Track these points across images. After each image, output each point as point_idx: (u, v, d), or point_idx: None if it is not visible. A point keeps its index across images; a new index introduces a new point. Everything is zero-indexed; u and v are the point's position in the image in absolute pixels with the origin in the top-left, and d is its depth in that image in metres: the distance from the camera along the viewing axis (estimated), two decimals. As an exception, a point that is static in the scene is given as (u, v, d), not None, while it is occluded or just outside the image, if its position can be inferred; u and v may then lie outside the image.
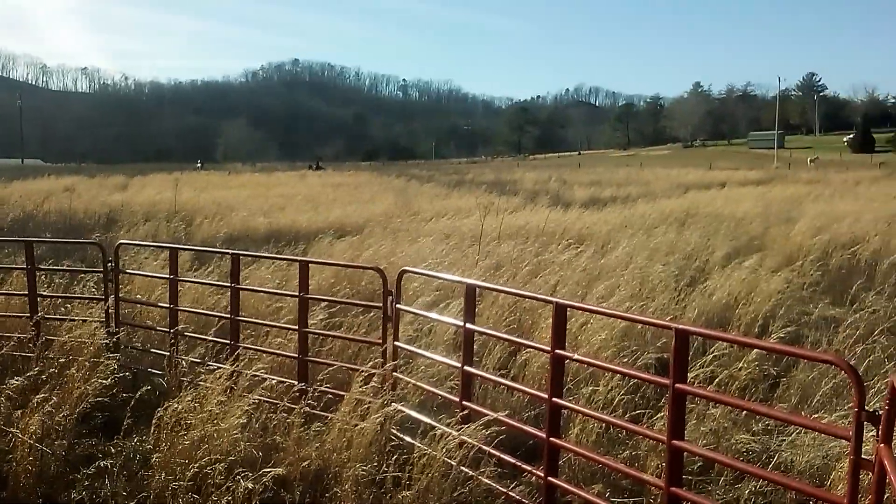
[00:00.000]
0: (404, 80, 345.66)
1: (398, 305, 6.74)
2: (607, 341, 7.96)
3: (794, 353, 4.90)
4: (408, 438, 6.11)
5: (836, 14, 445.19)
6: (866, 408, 3.57)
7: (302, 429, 6.00)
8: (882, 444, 3.45)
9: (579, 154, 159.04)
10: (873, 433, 3.58)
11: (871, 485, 3.54)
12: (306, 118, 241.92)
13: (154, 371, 8.10)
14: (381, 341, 6.82)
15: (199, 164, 78.49)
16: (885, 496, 3.64)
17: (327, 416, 6.18)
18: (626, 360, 7.67)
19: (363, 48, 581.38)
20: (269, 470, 5.25)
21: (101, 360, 7.45)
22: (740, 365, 7.07)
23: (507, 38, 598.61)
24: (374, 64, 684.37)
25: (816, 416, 6.14)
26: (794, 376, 7.31)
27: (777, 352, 6.10)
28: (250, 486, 5.16)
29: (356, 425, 5.76)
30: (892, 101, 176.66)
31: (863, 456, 3.64)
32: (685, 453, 4.62)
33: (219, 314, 8.55)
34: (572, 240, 15.25)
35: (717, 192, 32.49)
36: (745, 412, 6.09)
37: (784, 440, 5.94)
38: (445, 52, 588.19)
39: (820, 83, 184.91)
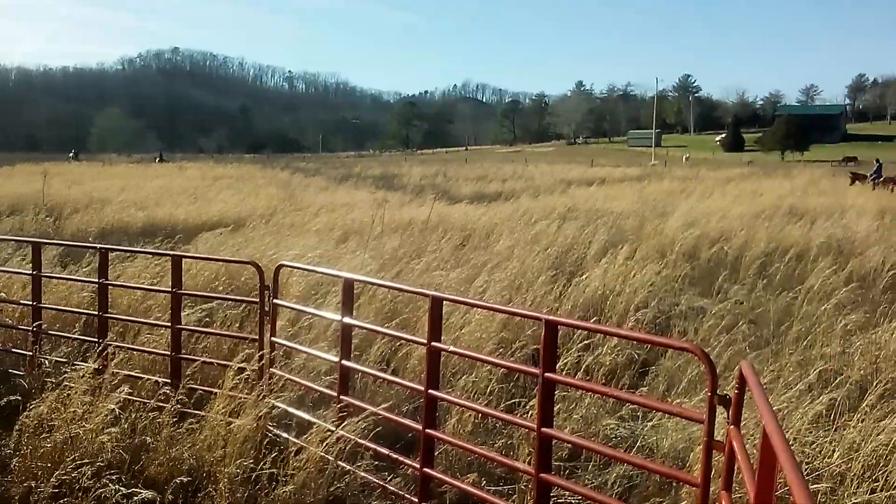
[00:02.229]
0: (290, 71, 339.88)
1: (275, 300, 6.64)
2: (489, 333, 8.10)
3: (654, 341, 5.12)
4: (284, 434, 6.04)
5: (710, 18, 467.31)
6: (722, 392, 3.79)
7: (173, 428, 5.83)
8: (732, 426, 3.66)
9: (466, 149, 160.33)
10: (726, 416, 3.79)
11: (722, 464, 3.75)
12: (188, 108, 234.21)
13: (14, 372, 7.69)
14: (257, 337, 6.71)
15: (71, 155, 74.28)
16: (739, 476, 3.86)
17: (200, 414, 6.03)
18: (505, 351, 7.83)
19: (246, 38, 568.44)
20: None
21: (-45, 361, 7.02)
22: (603, 351, 7.36)
23: (394, 32, 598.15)
24: (258, 55, 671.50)
25: (679, 401, 6.44)
26: (661, 364, 7.64)
27: (639, 340, 6.36)
28: (119, 488, 4.98)
29: (230, 422, 5.64)
30: (761, 103, 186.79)
31: (716, 438, 3.85)
32: (555, 440, 4.77)
33: (85, 311, 8.19)
34: (457, 234, 15.42)
35: (597, 188, 33.48)
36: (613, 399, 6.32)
37: (650, 425, 6.21)
38: (332, 45, 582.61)
39: (695, 84, 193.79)
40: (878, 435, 5.41)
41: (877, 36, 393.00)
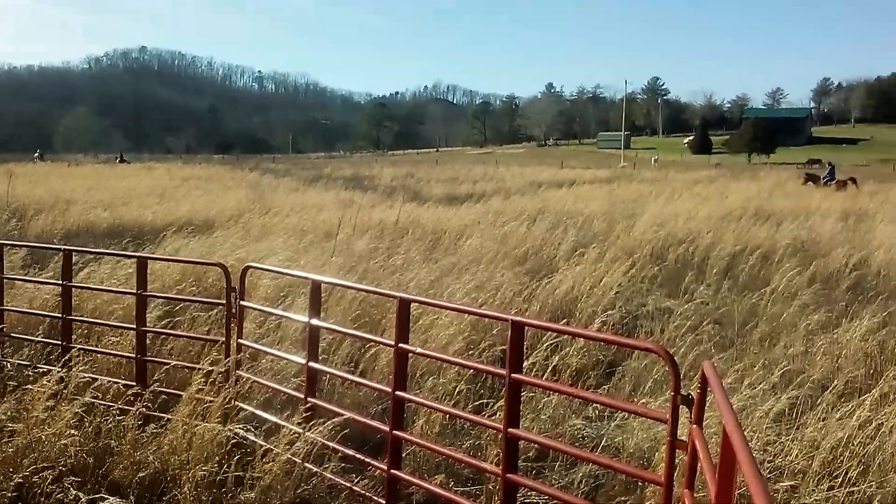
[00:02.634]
0: (260, 71, 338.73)
1: (242, 302, 6.60)
2: (455, 335, 8.10)
3: (619, 342, 5.17)
4: (251, 437, 6.00)
5: (678, 22, 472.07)
6: (685, 392, 3.83)
7: (138, 431, 5.77)
8: (694, 426, 3.71)
9: (437, 151, 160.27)
10: (689, 416, 3.83)
11: (685, 463, 3.79)
12: (156, 108, 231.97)
13: (-25, 376, 7.55)
14: (224, 339, 6.65)
15: (37, 155, 72.68)
16: (703, 475, 3.91)
17: (166, 418, 5.98)
18: (474, 351, 7.85)
19: (215, 37, 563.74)
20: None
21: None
22: (570, 352, 7.41)
23: (364, 33, 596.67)
24: (227, 54, 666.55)
25: (645, 401, 6.50)
26: (628, 364, 7.71)
27: (605, 341, 6.41)
28: (81, 493, 4.93)
29: (196, 425, 5.60)
30: (728, 105, 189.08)
31: (680, 437, 3.90)
32: (522, 440, 4.79)
33: (48, 314, 8.07)
34: (427, 235, 15.42)
35: (567, 190, 33.60)
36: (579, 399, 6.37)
37: (615, 425, 6.26)
38: (302, 45, 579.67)
39: (663, 87, 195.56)
40: (837, 433, 5.51)
41: (841, 40, 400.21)
